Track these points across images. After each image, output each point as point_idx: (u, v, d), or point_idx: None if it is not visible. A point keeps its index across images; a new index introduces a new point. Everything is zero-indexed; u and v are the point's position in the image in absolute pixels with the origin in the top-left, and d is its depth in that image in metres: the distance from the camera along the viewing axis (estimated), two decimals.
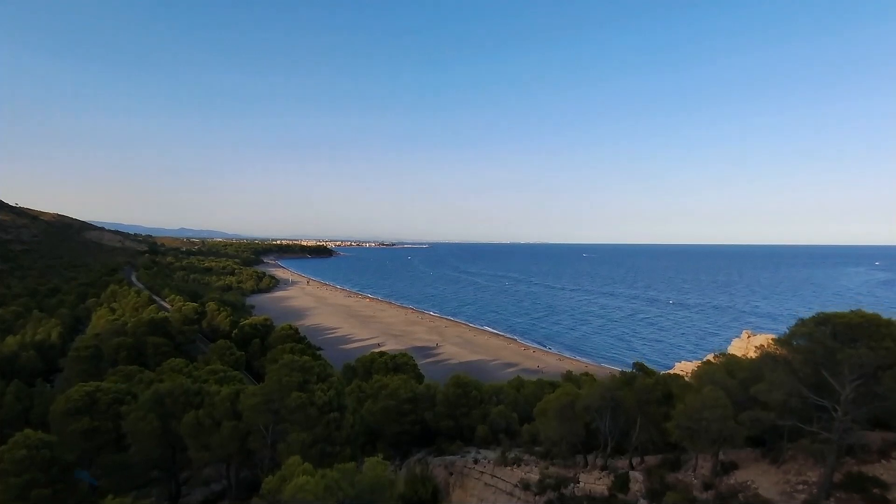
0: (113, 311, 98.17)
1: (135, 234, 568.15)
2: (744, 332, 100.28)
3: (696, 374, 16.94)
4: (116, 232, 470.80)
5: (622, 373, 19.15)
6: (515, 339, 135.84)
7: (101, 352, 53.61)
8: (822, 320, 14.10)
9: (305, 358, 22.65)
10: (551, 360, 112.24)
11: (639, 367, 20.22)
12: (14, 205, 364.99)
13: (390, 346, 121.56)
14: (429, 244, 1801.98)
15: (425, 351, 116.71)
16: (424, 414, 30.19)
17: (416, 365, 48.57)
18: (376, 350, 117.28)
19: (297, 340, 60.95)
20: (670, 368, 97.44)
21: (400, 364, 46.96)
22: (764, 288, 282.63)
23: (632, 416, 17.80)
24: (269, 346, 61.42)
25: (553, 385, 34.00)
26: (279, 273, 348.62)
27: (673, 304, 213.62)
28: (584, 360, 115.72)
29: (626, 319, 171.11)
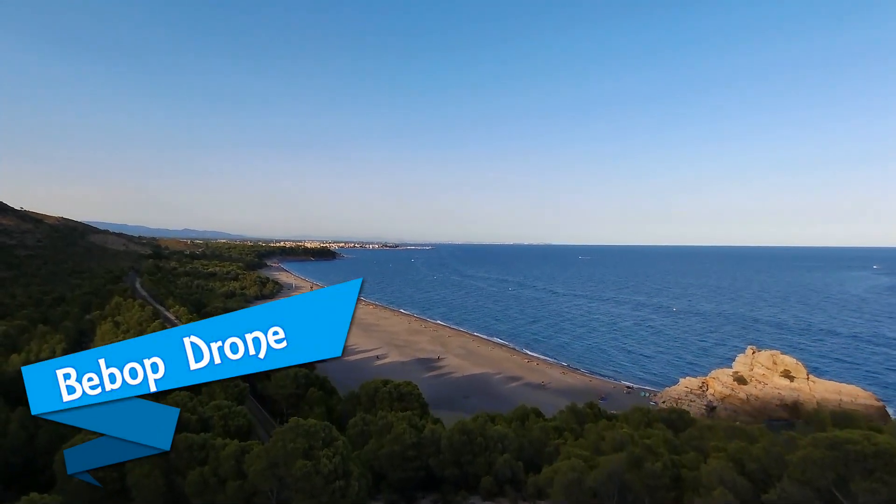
0: (117, 325, 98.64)
1: (139, 237, 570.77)
2: (748, 347, 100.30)
3: (705, 470, 16.69)
4: (120, 234, 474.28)
5: (629, 454, 18.97)
6: (518, 350, 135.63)
7: None
8: (834, 444, 13.97)
9: (311, 421, 22.62)
10: (555, 374, 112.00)
11: (645, 448, 20.05)
12: (19, 208, 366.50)
13: (393, 358, 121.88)
14: (432, 245, 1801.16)
15: (428, 363, 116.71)
16: (429, 460, 30.11)
17: (420, 394, 48.51)
18: (379, 362, 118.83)
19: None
20: (676, 384, 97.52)
21: (404, 393, 46.90)
22: (765, 293, 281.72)
23: (640, 499, 17.75)
24: None
25: (559, 431, 33.87)
26: (282, 277, 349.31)
27: (676, 311, 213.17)
28: (588, 373, 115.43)
29: (628, 328, 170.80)
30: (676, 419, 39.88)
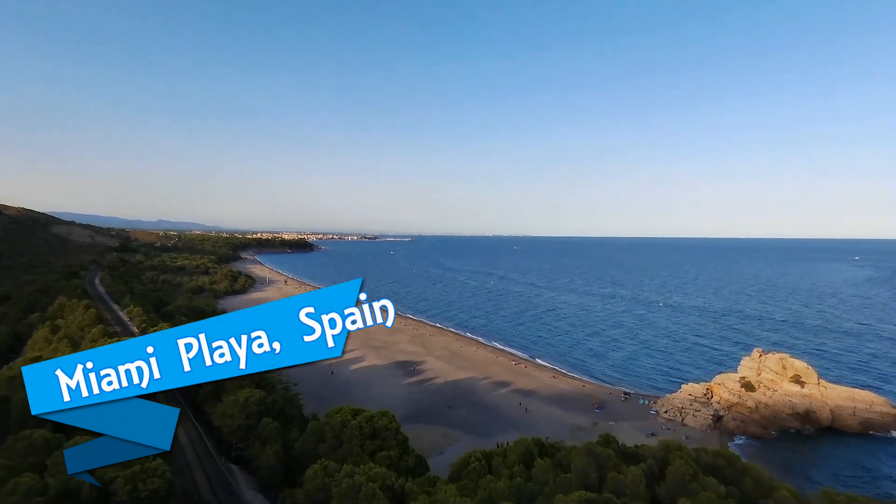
0: (56, 329, 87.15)
1: (108, 228, 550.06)
2: (755, 350, 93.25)
3: None
4: (87, 226, 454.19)
5: None
6: (505, 351, 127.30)
7: (9, 406, 43.62)
8: None
9: None
10: (545, 378, 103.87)
11: None
12: None
13: (370, 361, 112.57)
14: (412, 237, 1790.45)
15: (408, 367, 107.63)
16: None
17: (398, 429, 39.02)
18: (355, 366, 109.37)
19: (258, 383, 51.20)
20: (677, 390, 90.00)
21: (378, 429, 37.47)
22: (752, 287, 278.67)
23: None
24: (223, 388, 51.74)
25: None
26: (256, 271, 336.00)
27: (663, 306, 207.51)
28: (579, 375, 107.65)
29: (619, 326, 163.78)
30: (725, 466, 31.57)
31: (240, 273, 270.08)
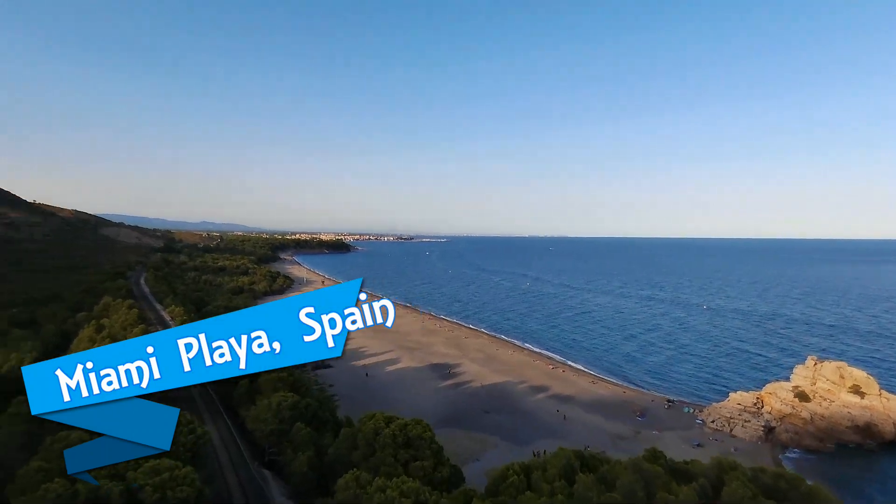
0: (101, 328, 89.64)
1: (153, 230, 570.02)
2: (809, 357, 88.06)
3: None
4: (135, 227, 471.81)
5: None
6: (541, 354, 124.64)
7: None
8: None
9: None
10: (584, 383, 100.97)
11: None
12: (31, 201, 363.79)
13: (405, 364, 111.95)
14: (447, 238, 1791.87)
15: (443, 370, 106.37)
16: None
17: (432, 437, 37.62)
18: (390, 368, 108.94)
19: (292, 386, 50.73)
20: (724, 398, 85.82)
21: (412, 438, 36.21)
22: (799, 289, 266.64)
23: None
24: (258, 390, 51.52)
25: None
26: (295, 271, 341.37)
27: (707, 309, 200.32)
28: (619, 381, 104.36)
29: (654, 328, 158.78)
30: (787, 489, 29.07)
31: (278, 273, 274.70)
